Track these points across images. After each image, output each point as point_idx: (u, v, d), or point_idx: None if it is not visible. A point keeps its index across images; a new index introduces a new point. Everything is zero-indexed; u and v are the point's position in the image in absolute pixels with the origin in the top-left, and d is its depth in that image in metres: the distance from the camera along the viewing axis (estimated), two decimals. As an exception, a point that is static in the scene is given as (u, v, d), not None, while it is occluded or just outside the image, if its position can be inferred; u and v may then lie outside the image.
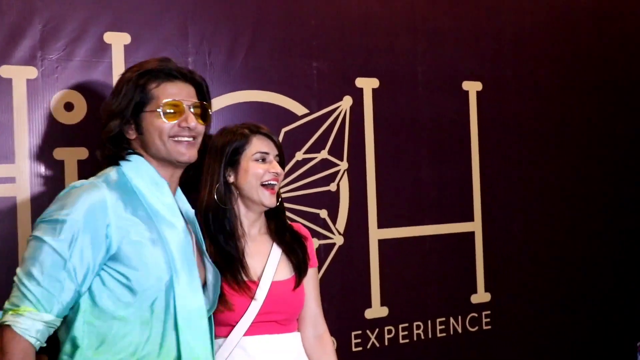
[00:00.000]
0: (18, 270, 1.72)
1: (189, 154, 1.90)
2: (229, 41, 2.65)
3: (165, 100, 1.87)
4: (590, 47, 3.60)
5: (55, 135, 2.32)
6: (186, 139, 1.88)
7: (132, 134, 1.90)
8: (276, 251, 2.21)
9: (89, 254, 1.73)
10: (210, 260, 2.07)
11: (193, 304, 1.87)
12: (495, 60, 3.26)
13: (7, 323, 1.66)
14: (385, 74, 2.96)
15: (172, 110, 1.87)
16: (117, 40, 2.43)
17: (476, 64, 3.20)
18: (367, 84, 2.92)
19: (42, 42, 2.32)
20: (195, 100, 1.93)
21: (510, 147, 3.29)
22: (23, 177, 2.28)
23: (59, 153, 2.32)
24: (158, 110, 1.86)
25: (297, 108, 2.77)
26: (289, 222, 2.34)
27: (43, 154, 2.31)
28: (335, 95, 2.85)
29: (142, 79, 1.88)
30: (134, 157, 1.90)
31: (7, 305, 1.70)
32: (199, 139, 1.94)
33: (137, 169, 1.89)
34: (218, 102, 2.60)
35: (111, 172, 1.87)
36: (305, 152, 2.79)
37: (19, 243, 2.21)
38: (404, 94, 3.00)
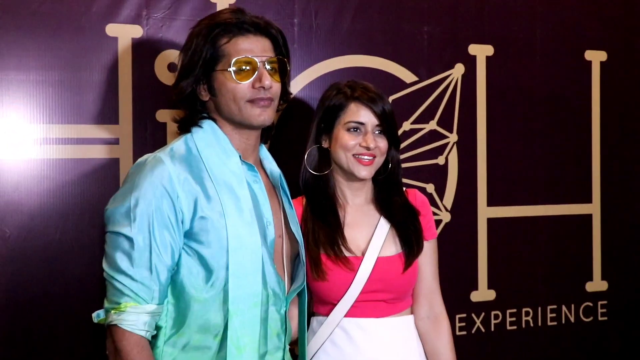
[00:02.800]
0: (105, 267, 1.73)
1: (264, 116, 1.83)
2: (337, 3, 2.61)
3: (236, 58, 1.79)
4: None
5: (158, 96, 2.35)
6: (262, 102, 1.82)
7: (204, 95, 1.84)
8: (384, 224, 2.11)
9: (167, 233, 1.72)
10: (297, 226, 2.02)
11: (247, 288, 1.80)
12: (623, 28, 3.11)
13: (113, 323, 1.69)
14: (500, 41, 2.87)
15: (244, 68, 1.79)
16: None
17: (601, 31, 3.06)
18: (481, 51, 2.84)
19: (148, 0, 2.35)
20: (270, 54, 1.84)
21: (635, 124, 3.15)
22: (126, 138, 2.33)
23: (161, 115, 2.36)
24: (229, 69, 1.79)
25: (406, 75, 2.71)
26: (406, 188, 2.23)
27: (146, 115, 2.35)
28: (447, 63, 2.79)
29: (212, 32, 1.80)
30: (206, 124, 1.85)
31: (107, 305, 1.72)
32: (276, 100, 1.87)
33: (208, 138, 1.84)
34: (323, 67, 2.60)
35: (178, 143, 1.82)
36: (413, 123, 2.73)
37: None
38: (520, 63, 2.91)
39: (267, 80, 1.79)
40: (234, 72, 1.78)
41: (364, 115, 2.06)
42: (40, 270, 2.25)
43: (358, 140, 2.05)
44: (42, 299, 2.26)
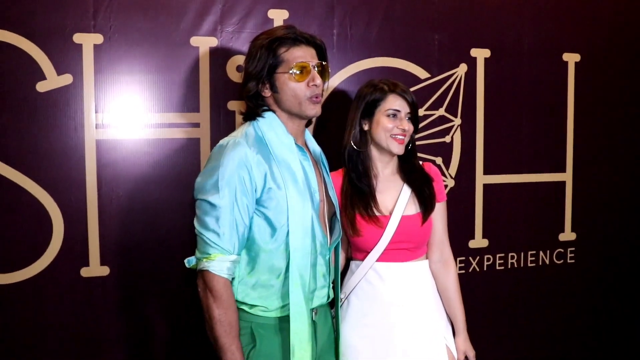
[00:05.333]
0: (197, 226, 1.76)
1: (317, 109, 1.87)
2: (366, 17, 2.62)
3: (295, 63, 1.81)
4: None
5: (228, 90, 2.41)
6: (316, 98, 1.85)
7: (267, 92, 1.86)
8: (406, 190, 2.13)
9: (245, 199, 1.76)
10: (335, 194, 2.05)
11: (302, 241, 1.81)
12: (594, 34, 3.06)
13: (205, 268, 1.74)
14: (495, 45, 2.86)
15: (300, 71, 1.82)
16: (278, 16, 2.47)
17: (576, 36, 3.01)
18: (480, 54, 2.83)
19: (222, 18, 2.40)
20: (317, 60, 1.87)
21: (601, 111, 3.11)
22: (205, 123, 2.39)
23: (231, 105, 2.42)
24: (290, 72, 1.81)
25: (421, 72, 2.73)
26: (421, 162, 2.25)
27: (220, 105, 2.41)
28: (453, 63, 2.79)
29: (273, 44, 1.82)
30: (267, 114, 1.86)
31: (198, 254, 1.77)
32: (321, 96, 1.89)
33: (270, 125, 1.85)
34: (356, 67, 2.61)
35: (249, 129, 1.84)
36: (426, 110, 2.75)
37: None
38: (511, 64, 2.90)
39: (318, 80, 1.85)
40: (294, 74, 1.82)
41: (400, 104, 2.09)
42: (142, 222, 2.35)
43: (395, 124, 2.07)
44: (144, 244, 2.35)
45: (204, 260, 1.74)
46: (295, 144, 1.88)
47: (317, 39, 1.91)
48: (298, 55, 1.83)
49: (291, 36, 1.83)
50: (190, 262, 1.82)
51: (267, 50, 1.82)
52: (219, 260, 1.73)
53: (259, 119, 1.87)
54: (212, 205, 1.73)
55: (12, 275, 2.21)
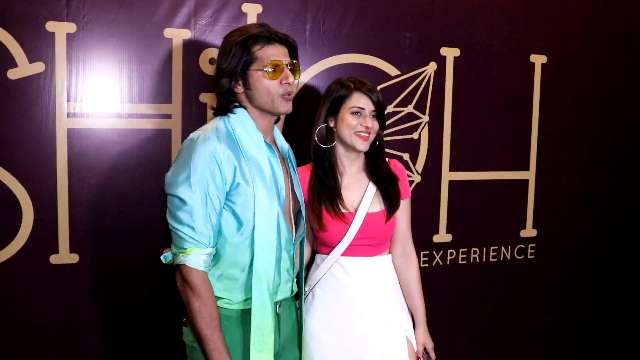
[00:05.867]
0: (171, 221, 1.77)
1: (288, 107, 1.90)
2: (339, 13, 2.63)
3: (269, 61, 1.83)
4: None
5: (201, 83, 2.41)
6: (288, 96, 1.88)
7: (239, 89, 1.87)
8: (371, 188, 2.15)
9: (217, 192, 1.77)
10: (301, 190, 2.08)
11: (267, 237, 1.84)
12: (559, 37, 3.09)
13: (182, 263, 1.76)
14: (465, 45, 2.89)
15: (273, 69, 1.83)
16: (252, 10, 2.47)
17: (542, 39, 3.05)
18: (450, 53, 2.86)
19: (196, 11, 2.40)
20: (289, 59, 1.89)
21: (565, 112, 3.15)
22: (176, 114, 2.40)
23: (203, 97, 2.42)
24: (265, 69, 1.83)
25: (391, 70, 2.75)
26: (388, 158, 2.26)
27: (192, 97, 2.41)
28: (423, 61, 2.81)
29: (247, 42, 1.83)
30: (238, 110, 1.88)
31: (174, 250, 1.79)
32: (293, 93, 1.93)
33: (240, 121, 1.86)
34: (329, 62, 2.62)
35: (219, 123, 1.85)
36: (395, 106, 2.77)
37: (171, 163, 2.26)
38: (480, 63, 2.93)
39: (291, 78, 1.88)
40: (267, 72, 1.84)
41: (365, 102, 2.11)
42: (112, 211, 2.36)
43: (359, 121, 2.10)
44: (114, 232, 2.36)
45: (181, 255, 1.76)
46: (264, 141, 1.89)
47: (290, 38, 1.93)
48: (272, 54, 1.85)
49: (265, 34, 1.85)
50: (167, 257, 1.84)
51: (242, 48, 1.83)
52: (195, 254, 1.75)
53: (230, 114, 1.87)
54: (185, 200, 1.74)
55: (-18, 261, 2.23)
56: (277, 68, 1.85)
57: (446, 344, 2.78)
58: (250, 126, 1.88)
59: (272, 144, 1.98)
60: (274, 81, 1.85)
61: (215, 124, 1.86)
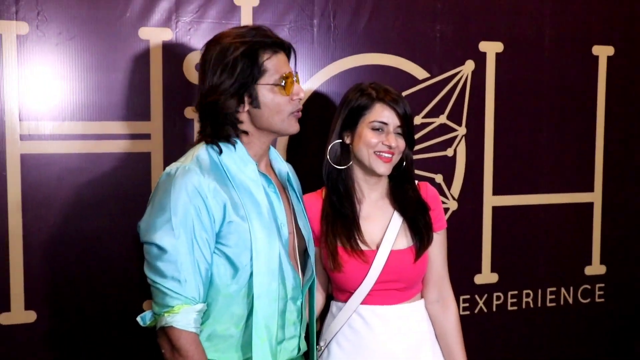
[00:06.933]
0: (151, 274, 1.72)
1: (297, 126, 1.88)
2: (353, 3, 2.57)
3: (282, 73, 1.81)
4: None
5: (186, 94, 2.36)
6: (299, 113, 1.87)
7: (243, 108, 1.82)
8: (397, 219, 2.09)
9: (205, 234, 1.73)
10: (307, 224, 2.04)
11: (268, 285, 1.82)
12: (629, 23, 3.00)
13: (168, 324, 1.70)
14: (510, 38, 2.80)
15: (285, 83, 1.81)
16: (246, 2, 2.41)
17: (608, 26, 2.95)
18: (491, 48, 2.78)
19: (177, 5, 2.35)
20: (294, 70, 1.88)
21: (639, 117, 3.06)
22: (157, 133, 2.35)
23: (189, 112, 2.37)
24: (281, 84, 1.80)
25: (418, 72, 2.67)
26: (417, 181, 2.21)
27: (175, 112, 2.36)
28: (458, 60, 2.73)
29: (254, 52, 1.79)
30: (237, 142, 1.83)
31: (157, 309, 1.72)
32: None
33: (227, 146, 1.82)
34: (340, 65, 2.57)
35: (200, 152, 1.80)
36: (424, 117, 2.70)
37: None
38: (529, 60, 2.83)
39: (302, 93, 1.85)
40: (281, 87, 1.81)
41: (388, 116, 2.04)
42: (77, 256, 2.32)
43: (380, 139, 2.03)
44: (80, 283, 2.33)
45: (166, 314, 1.70)
46: (258, 170, 1.85)
47: (291, 45, 1.90)
48: (282, 64, 1.82)
49: (269, 41, 1.81)
50: (144, 318, 1.78)
51: (249, 59, 1.77)
52: (183, 313, 1.70)
53: (221, 142, 1.81)
54: (165, 248, 1.69)
55: None
56: (287, 81, 1.81)
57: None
58: (239, 152, 1.83)
59: (267, 171, 1.93)
60: (286, 97, 1.82)
61: (196, 153, 1.79)
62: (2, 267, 2.25)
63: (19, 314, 2.28)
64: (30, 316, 2.29)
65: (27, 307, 2.29)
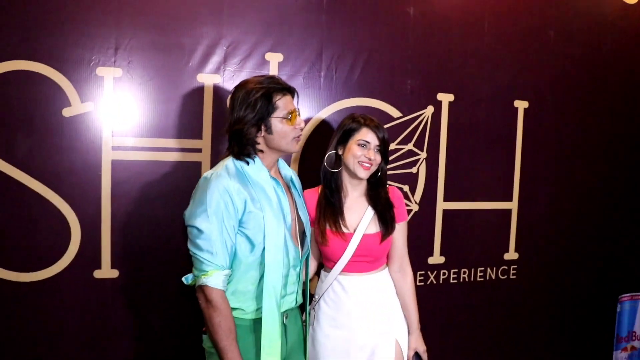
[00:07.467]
0: (192, 248, 1.79)
1: (298, 147, 1.97)
2: (350, 63, 2.65)
3: (289, 110, 1.89)
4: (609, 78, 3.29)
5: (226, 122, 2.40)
6: (299, 138, 1.94)
7: (260, 134, 1.89)
8: (370, 211, 2.15)
9: (231, 221, 1.80)
10: (305, 213, 2.10)
11: (275, 257, 1.86)
12: (540, 84, 3.08)
13: (204, 284, 1.78)
14: (459, 91, 2.89)
15: (291, 117, 1.89)
16: (274, 59, 2.51)
17: (525, 87, 3.04)
18: (445, 98, 2.86)
19: (225, 59, 2.44)
20: (297, 107, 1.96)
21: (545, 151, 3.13)
22: (206, 149, 2.41)
23: None
24: (288, 117, 1.88)
25: (394, 112, 2.76)
26: (389, 186, 2.24)
27: (219, 133, 2.40)
28: (422, 105, 2.81)
29: (269, 94, 1.86)
30: (255, 157, 1.90)
31: (196, 272, 1.80)
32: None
33: (250, 161, 1.89)
34: (339, 105, 2.64)
35: (228, 163, 1.87)
36: (397, 144, 2.77)
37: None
38: (471, 107, 2.93)
39: (303, 124, 1.96)
40: (288, 120, 1.89)
41: (371, 137, 2.12)
42: (147, 233, 2.36)
43: (364, 152, 2.11)
44: (148, 252, 2.36)
45: (202, 277, 1.78)
46: (270, 175, 1.92)
47: (295, 89, 1.98)
48: (289, 103, 1.91)
49: (279, 87, 1.89)
50: (187, 279, 1.86)
51: (266, 99, 1.86)
52: (215, 276, 1.77)
53: (243, 157, 1.88)
54: (203, 229, 1.77)
55: (35, 275, 2.24)
56: (292, 115, 1.90)
57: (439, 351, 2.85)
58: (257, 164, 1.91)
59: (276, 175, 2.01)
60: (291, 126, 1.90)
61: (225, 164, 1.88)
62: (97, 238, 2.34)
63: (107, 271, 2.36)
64: (114, 273, 2.37)
65: (112, 266, 2.37)
